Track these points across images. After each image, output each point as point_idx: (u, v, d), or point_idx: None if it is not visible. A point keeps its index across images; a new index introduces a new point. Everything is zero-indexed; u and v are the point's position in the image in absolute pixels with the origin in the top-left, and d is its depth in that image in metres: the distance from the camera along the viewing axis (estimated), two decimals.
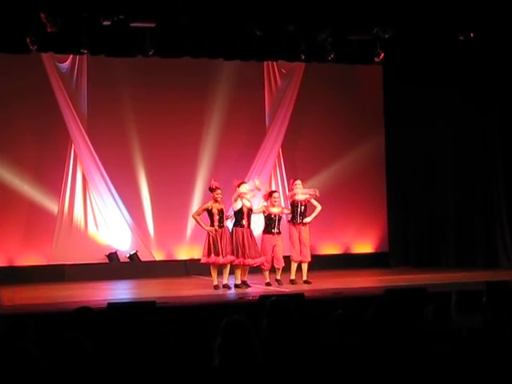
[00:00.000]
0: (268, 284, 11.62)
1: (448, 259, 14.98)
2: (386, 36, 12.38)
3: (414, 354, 4.44)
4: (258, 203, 12.59)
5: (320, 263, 13.75)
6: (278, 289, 11.15)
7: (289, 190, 12.35)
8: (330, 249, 15.57)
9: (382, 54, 12.80)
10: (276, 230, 11.81)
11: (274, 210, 11.81)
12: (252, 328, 4.15)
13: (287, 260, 12.02)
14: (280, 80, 15.44)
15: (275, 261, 11.79)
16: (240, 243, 11.38)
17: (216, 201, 11.45)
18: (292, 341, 4.85)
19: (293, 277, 11.90)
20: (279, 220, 11.87)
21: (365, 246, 15.95)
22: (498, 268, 14.04)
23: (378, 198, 15.82)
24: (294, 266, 11.97)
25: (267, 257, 11.67)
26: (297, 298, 8.36)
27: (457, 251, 14.92)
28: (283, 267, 11.84)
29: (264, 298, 7.97)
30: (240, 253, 11.36)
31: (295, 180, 12.25)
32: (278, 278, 11.78)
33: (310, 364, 4.40)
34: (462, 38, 12.56)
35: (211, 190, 11.55)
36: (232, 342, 4.03)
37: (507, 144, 14.52)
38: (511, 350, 4.54)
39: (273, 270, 11.90)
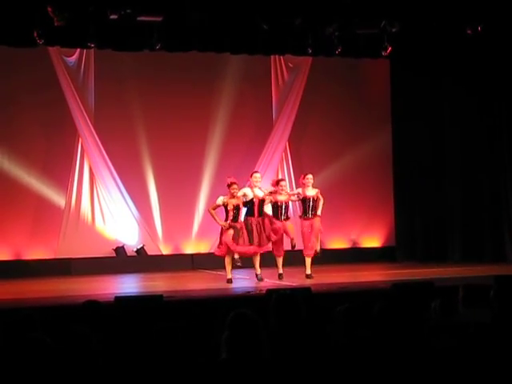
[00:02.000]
0: (280, 276, 11.59)
1: (455, 253, 14.95)
2: (394, 30, 12.34)
3: (421, 349, 4.44)
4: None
5: (327, 257, 13.74)
6: (286, 283, 11.13)
7: (300, 185, 12.27)
8: (337, 243, 15.58)
9: (390, 48, 12.76)
10: (283, 217, 11.69)
11: (281, 198, 11.71)
12: (259, 322, 4.15)
13: (297, 255, 12.01)
14: (287, 74, 15.43)
15: (275, 248, 11.66)
16: (251, 231, 11.33)
17: (233, 196, 11.39)
18: (299, 335, 4.85)
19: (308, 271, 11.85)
20: (286, 207, 11.76)
21: (372, 240, 15.96)
22: (505, 262, 14.01)
23: (385, 193, 15.81)
24: (308, 260, 11.92)
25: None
26: (304, 291, 8.35)
27: (464, 245, 14.89)
28: (282, 256, 11.71)
29: (271, 292, 7.98)
30: (254, 241, 11.34)
31: (306, 174, 12.17)
32: (281, 271, 11.67)
33: (318, 358, 4.40)
34: (469, 32, 12.52)
35: (228, 185, 11.47)
36: (239, 335, 4.03)
37: None
38: None
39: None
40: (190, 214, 15.00)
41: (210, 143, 15.13)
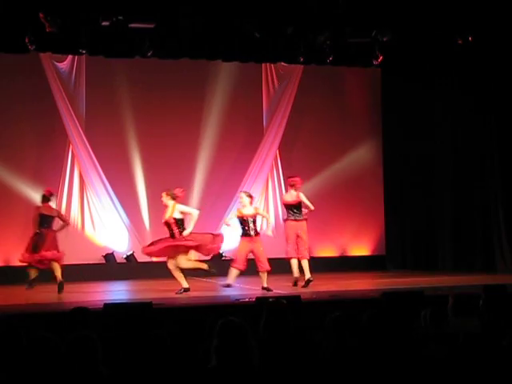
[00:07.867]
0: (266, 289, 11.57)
1: (445, 262, 14.97)
2: (385, 39, 12.38)
3: (411, 357, 4.44)
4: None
5: (317, 265, 13.71)
6: (275, 290, 11.09)
7: (290, 188, 12.13)
8: (326, 251, 15.56)
9: (381, 57, 12.80)
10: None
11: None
12: (248, 329, 4.14)
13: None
14: (278, 81, 15.45)
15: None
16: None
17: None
18: (288, 343, 4.85)
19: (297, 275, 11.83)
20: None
21: (362, 249, 15.95)
22: (495, 272, 14.04)
23: (375, 201, 15.83)
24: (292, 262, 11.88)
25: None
26: (293, 300, 8.34)
27: (454, 254, 14.90)
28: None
29: (261, 300, 7.97)
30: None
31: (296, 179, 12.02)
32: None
33: (307, 366, 4.39)
34: (460, 41, 12.57)
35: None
36: (228, 343, 4.03)
37: (505, 148, 14.51)
38: (508, 353, 4.54)
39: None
40: None
41: (201, 150, 15.12)
